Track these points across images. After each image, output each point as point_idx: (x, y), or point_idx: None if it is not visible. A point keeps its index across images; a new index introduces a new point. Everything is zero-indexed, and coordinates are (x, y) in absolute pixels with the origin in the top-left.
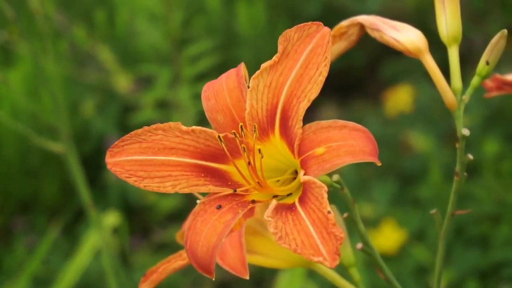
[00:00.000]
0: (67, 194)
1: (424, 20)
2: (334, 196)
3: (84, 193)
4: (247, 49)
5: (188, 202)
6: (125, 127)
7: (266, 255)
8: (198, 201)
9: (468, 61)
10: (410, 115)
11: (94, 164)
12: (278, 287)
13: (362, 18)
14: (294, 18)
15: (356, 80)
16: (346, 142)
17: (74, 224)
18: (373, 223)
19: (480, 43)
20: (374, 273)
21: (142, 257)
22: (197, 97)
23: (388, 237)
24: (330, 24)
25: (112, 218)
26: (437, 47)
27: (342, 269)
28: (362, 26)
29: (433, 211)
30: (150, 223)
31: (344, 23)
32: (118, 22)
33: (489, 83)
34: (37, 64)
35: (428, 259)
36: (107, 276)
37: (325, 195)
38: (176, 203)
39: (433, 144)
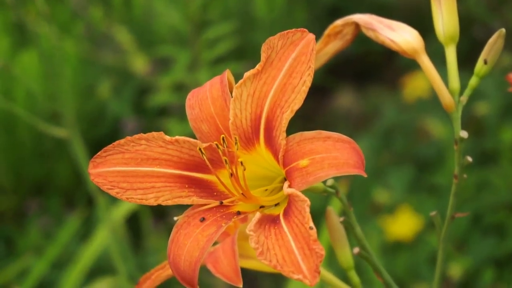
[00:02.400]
0: (81, 176)
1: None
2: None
3: (90, 181)
4: (264, 33)
5: None
6: (141, 110)
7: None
8: (175, 218)
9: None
10: (428, 101)
11: None
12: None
13: (357, 17)
14: (312, 3)
15: (374, 66)
16: (330, 154)
17: (89, 206)
18: (389, 209)
19: (499, 29)
20: (391, 259)
21: (158, 240)
22: None
23: (403, 224)
24: (351, 11)
25: (128, 203)
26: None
27: (341, 272)
28: (357, 25)
29: (433, 213)
30: (165, 206)
31: (339, 22)
32: (135, 3)
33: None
34: (50, 46)
35: (445, 247)
36: (114, 260)
37: (307, 209)
38: None
39: (450, 131)
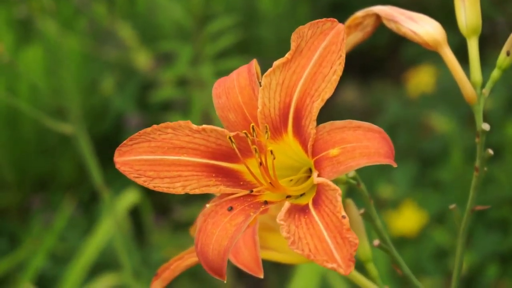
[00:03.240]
0: (84, 172)
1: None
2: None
3: (96, 175)
4: (268, 28)
5: None
6: (144, 105)
7: (281, 251)
8: (207, 205)
9: (491, 42)
10: (432, 96)
11: (113, 142)
12: (300, 269)
13: (378, 9)
14: None
15: (378, 61)
16: (361, 144)
17: (92, 201)
18: (393, 205)
19: (503, 24)
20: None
21: (161, 236)
22: (218, 75)
23: (408, 219)
24: (354, 7)
25: (131, 196)
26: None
27: (359, 264)
28: (378, 17)
29: (452, 206)
30: (169, 201)
31: (359, 13)
32: None
33: None
34: (54, 42)
35: (448, 242)
36: (119, 255)
37: (340, 199)
38: None
39: (455, 126)
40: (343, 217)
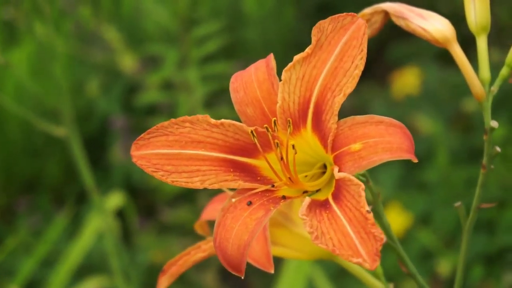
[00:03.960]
0: (71, 174)
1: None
2: None
3: (87, 177)
4: (253, 30)
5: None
6: (130, 108)
7: (289, 247)
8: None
9: (474, 43)
10: (417, 98)
11: (98, 144)
12: (285, 271)
13: (387, 6)
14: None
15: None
16: (383, 139)
17: (78, 204)
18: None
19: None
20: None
21: (146, 238)
22: (204, 78)
23: (393, 221)
24: (340, 8)
25: (116, 199)
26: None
27: None
28: (386, 14)
29: (457, 204)
30: (154, 204)
31: (368, 10)
32: (124, 1)
33: None
34: (42, 43)
35: (434, 243)
36: (109, 258)
37: (363, 194)
38: None
39: (440, 127)
40: (368, 211)
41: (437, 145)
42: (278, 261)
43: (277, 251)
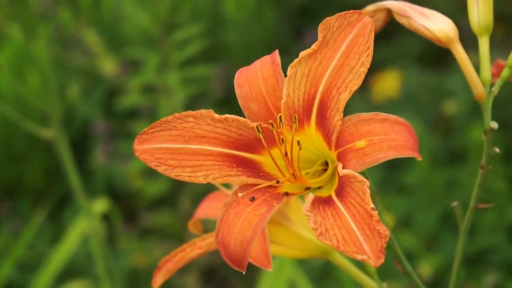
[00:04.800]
0: (52, 179)
1: None
2: None
3: (74, 179)
4: (234, 33)
5: (173, 187)
6: (111, 112)
7: (285, 245)
8: (220, 189)
9: (472, 45)
10: (398, 101)
11: (79, 149)
12: (267, 274)
13: (390, 3)
14: (281, 2)
15: None
16: (388, 136)
17: (60, 209)
18: None
19: (467, 29)
20: None
21: (128, 242)
22: (185, 82)
23: None
24: (321, 11)
25: (101, 205)
26: None
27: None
28: (389, 12)
29: (454, 203)
30: (135, 208)
31: (371, 7)
32: (104, 4)
33: (491, 69)
34: (25, 46)
35: (415, 246)
36: (95, 262)
37: (368, 191)
38: (162, 188)
39: (420, 129)
40: (373, 209)
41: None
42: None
43: (274, 249)
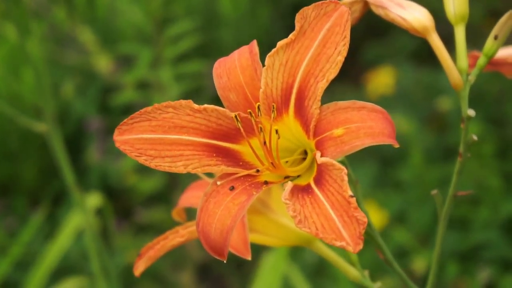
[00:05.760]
0: (46, 176)
1: None
2: None
3: (68, 174)
4: (228, 30)
5: (168, 183)
6: (105, 109)
7: (266, 234)
8: (202, 178)
9: (450, 44)
10: (392, 98)
11: (74, 146)
12: (262, 270)
13: None
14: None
15: None
16: (365, 124)
17: (54, 206)
18: None
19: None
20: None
21: (123, 238)
22: (179, 77)
23: None
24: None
25: (94, 199)
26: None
27: (340, 249)
28: (366, 3)
29: (434, 191)
30: (130, 205)
31: None
32: (98, 2)
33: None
34: (19, 44)
35: (409, 242)
36: (89, 258)
37: (346, 178)
38: (157, 185)
39: (415, 126)
40: (351, 196)
41: (412, 144)
42: (255, 260)
43: (255, 238)
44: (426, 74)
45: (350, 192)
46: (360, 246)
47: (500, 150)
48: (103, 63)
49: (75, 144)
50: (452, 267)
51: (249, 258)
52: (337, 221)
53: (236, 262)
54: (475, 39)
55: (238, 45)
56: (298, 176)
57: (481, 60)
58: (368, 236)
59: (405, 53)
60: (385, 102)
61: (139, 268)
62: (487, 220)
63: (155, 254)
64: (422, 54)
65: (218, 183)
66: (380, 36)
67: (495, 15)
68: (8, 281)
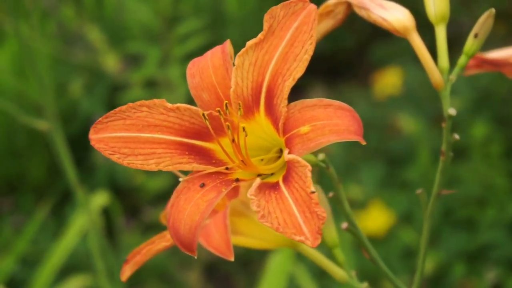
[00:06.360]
0: (54, 174)
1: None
2: (321, 175)
3: (70, 172)
4: (235, 29)
5: (175, 183)
6: (113, 107)
7: (251, 236)
8: (180, 179)
9: (457, 43)
10: (399, 98)
11: (81, 145)
12: (268, 270)
13: None
14: None
15: (345, 63)
16: (331, 121)
17: (62, 204)
18: (361, 205)
19: (468, 25)
20: (362, 255)
21: (130, 237)
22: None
23: (376, 219)
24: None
25: (101, 198)
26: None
27: (327, 250)
28: (349, 5)
29: (419, 190)
30: (138, 203)
31: (331, 1)
32: (107, 1)
33: (469, 61)
34: (23, 42)
35: (416, 242)
36: (93, 256)
37: (309, 174)
38: (164, 184)
39: (421, 126)
40: (312, 192)
41: (419, 144)
42: (261, 260)
43: (240, 240)
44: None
45: (312, 188)
46: (319, 241)
47: (507, 150)
48: (111, 62)
49: (83, 142)
50: (459, 268)
51: (232, 259)
52: (299, 217)
53: (243, 262)
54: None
55: (244, 43)
56: (273, 174)
57: (462, 59)
58: (353, 236)
59: (413, 53)
60: (393, 102)
61: (125, 273)
62: (494, 220)
63: (141, 259)
64: (430, 54)
65: (188, 179)
66: (387, 36)
67: (504, 16)
68: (14, 279)
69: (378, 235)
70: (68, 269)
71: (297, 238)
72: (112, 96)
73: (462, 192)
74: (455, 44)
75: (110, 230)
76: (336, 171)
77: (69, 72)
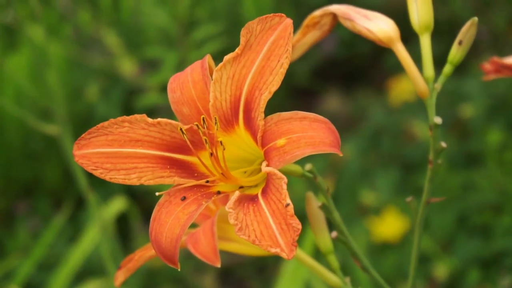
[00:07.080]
0: (70, 178)
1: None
2: (339, 182)
3: (81, 178)
4: None
5: None
6: (129, 111)
7: (241, 242)
8: (157, 194)
9: (473, 52)
10: (414, 104)
11: None
12: (283, 275)
13: (335, 8)
14: (299, 4)
15: (360, 69)
16: (306, 134)
17: (78, 208)
18: (376, 211)
19: (485, 33)
20: (379, 260)
21: (146, 240)
22: None
23: (390, 225)
24: None
25: (119, 203)
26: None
27: (321, 257)
28: (335, 16)
29: (408, 198)
30: (152, 207)
31: (317, 12)
32: (123, 5)
33: (487, 66)
34: (36, 47)
35: (431, 248)
36: (105, 262)
37: (285, 187)
38: None
39: (437, 133)
40: (287, 204)
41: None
42: (276, 264)
43: (229, 246)
44: (448, 81)
45: (288, 201)
46: (294, 253)
47: None
48: (127, 66)
49: None
50: (474, 274)
51: (219, 265)
52: (275, 229)
53: (258, 267)
54: (501, 46)
55: None
56: (256, 185)
57: (447, 68)
58: (342, 243)
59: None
60: (408, 108)
61: (118, 279)
62: (509, 227)
63: (133, 265)
64: (445, 60)
65: (169, 193)
66: (403, 42)
67: None
68: (31, 283)
69: (393, 241)
70: (84, 273)
71: (273, 250)
72: (128, 100)
73: (477, 198)
74: (473, 52)
75: (127, 234)
76: (351, 177)
77: (86, 76)
